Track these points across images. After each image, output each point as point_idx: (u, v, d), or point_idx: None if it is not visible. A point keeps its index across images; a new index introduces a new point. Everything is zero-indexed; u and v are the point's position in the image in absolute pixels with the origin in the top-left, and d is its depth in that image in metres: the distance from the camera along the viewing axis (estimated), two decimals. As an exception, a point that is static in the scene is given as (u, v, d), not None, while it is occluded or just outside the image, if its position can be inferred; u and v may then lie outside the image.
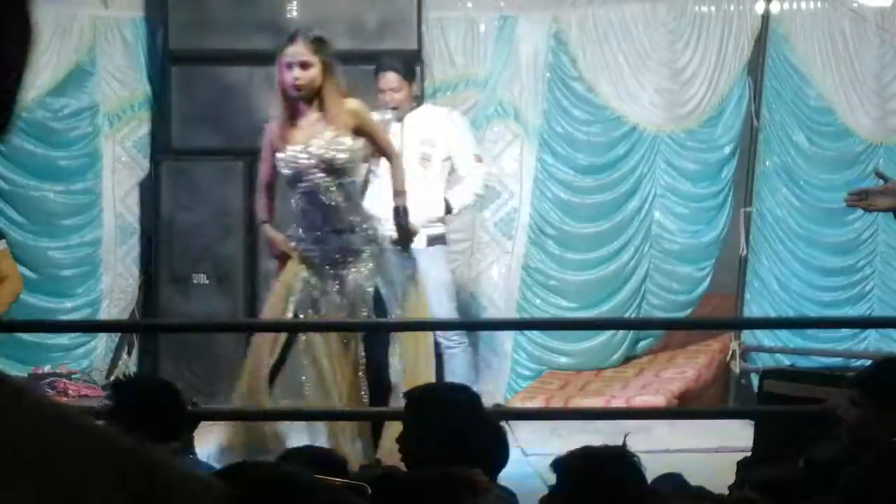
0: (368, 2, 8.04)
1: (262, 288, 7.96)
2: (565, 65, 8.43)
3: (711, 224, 8.53)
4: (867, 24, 8.40)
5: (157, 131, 8.31)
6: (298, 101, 6.01)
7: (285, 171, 6.04)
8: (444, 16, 8.39)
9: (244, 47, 8.00)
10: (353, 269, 6.07)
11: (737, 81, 8.47)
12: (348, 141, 6.00)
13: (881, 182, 5.30)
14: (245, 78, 8.04)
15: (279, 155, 6.02)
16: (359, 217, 6.09)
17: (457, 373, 7.38)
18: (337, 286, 6.07)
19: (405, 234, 6.28)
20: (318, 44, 6.01)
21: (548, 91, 8.43)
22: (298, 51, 5.97)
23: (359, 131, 6.06)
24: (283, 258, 6.15)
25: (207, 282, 8.03)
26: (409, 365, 6.18)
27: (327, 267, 6.07)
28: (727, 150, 8.50)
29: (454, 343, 7.53)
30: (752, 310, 8.55)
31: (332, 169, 5.97)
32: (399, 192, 6.29)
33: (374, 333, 6.14)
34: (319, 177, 5.99)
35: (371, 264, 6.08)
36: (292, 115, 6.03)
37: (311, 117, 6.02)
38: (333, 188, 6.01)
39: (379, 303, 6.11)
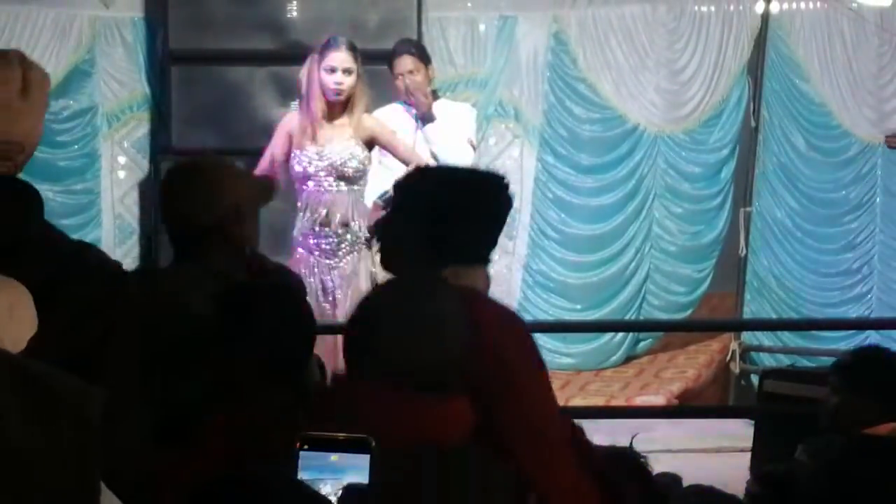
0: (368, 2, 8.03)
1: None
2: (565, 65, 8.43)
3: (711, 225, 8.52)
4: (866, 25, 8.40)
5: (157, 131, 8.29)
6: (333, 105, 6.31)
7: (297, 168, 6.34)
8: (444, 16, 8.38)
9: (244, 47, 8.00)
10: (343, 263, 6.40)
11: (736, 81, 8.47)
12: (360, 151, 6.32)
13: None
14: (245, 78, 8.04)
15: (297, 150, 6.35)
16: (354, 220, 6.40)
17: None
18: (331, 277, 6.40)
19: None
20: (357, 52, 6.36)
21: (549, 91, 8.43)
22: (344, 57, 6.28)
23: (372, 143, 6.39)
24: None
25: (207, 282, 8.01)
26: None
27: (325, 259, 6.40)
28: (726, 150, 8.50)
29: None
30: (751, 309, 8.55)
31: (343, 176, 6.31)
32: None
33: None
34: (328, 181, 6.32)
35: (357, 261, 6.43)
36: (321, 116, 6.31)
37: (337, 122, 6.33)
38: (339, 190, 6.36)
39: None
